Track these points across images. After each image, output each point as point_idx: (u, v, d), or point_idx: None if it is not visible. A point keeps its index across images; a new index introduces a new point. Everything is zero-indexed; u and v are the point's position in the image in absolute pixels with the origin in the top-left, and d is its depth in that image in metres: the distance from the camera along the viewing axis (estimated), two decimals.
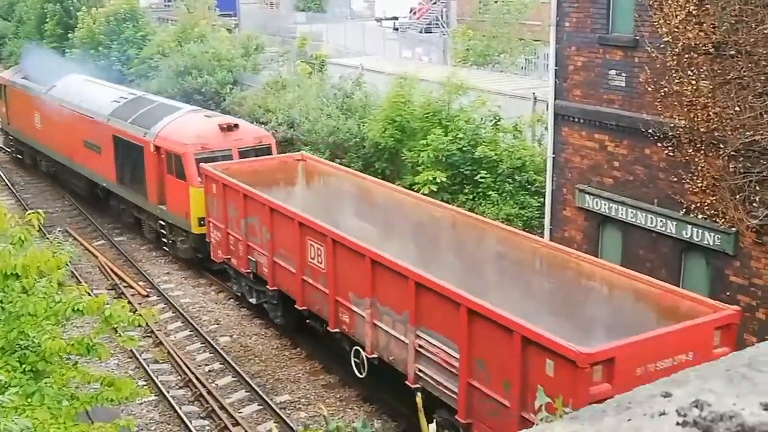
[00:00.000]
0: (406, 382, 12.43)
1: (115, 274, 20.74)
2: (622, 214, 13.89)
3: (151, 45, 37.44)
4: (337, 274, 13.99)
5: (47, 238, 21.07)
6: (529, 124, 19.25)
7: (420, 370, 12.22)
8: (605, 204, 14.19)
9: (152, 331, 17.38)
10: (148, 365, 16.09)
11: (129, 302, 18.33)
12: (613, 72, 13.73)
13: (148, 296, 19.64)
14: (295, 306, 15.56)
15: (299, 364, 16.16)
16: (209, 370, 16.04)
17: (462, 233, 14.74)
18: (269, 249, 16.07)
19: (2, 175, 30.52)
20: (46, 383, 8.78)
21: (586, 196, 14.55)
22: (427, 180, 18.23)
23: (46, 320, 9.28)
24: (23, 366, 8.83)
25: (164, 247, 21.73)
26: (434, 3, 50.45)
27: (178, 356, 16.32)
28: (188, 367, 15.84)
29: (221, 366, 16.16)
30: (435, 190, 18.28)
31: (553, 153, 15.25)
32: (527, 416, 10.07)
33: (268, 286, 16.55)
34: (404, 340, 12.47)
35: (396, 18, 54.31)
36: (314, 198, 18.15)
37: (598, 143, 14.24)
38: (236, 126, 20.42)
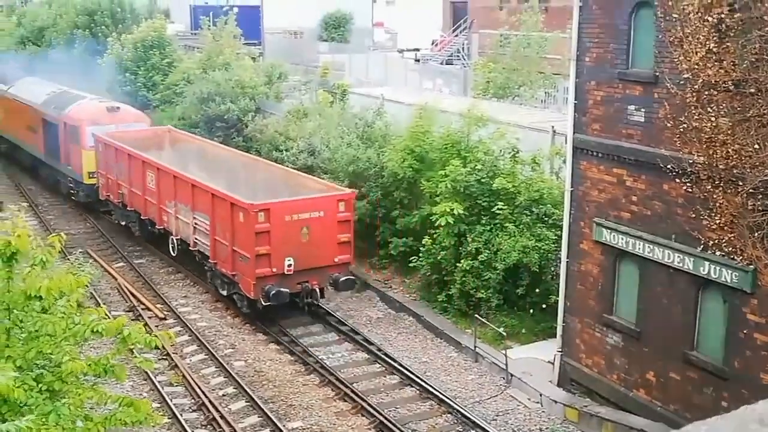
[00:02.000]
0: (190, 249, 20.93)
1: (134, 296, 20.91)
2: (639, 248, 13.87)
3: (176, 72, 37.99)
4: (160, 191, 22.29)
5: (68, 259, 21.32)
6: (547, 157, 19.30)
7: (196, 239, 20.71)
8: (622, 238, 14.19)
9: (168, 354, 17.48)
10: (162, 388, 16.17)
11: (146, 324, 18.58)
12: (632, 107, 13.79)
13: (165, 319, 19.77)
14: (142, 217, 23.75)
15: (312, 391, 16.19)
16: (223, 394, 16.10)
17: (248, 168, 23.28)
18: (128, 183, 24.22)
19: (26, 196, 30.94)
20: (63, 403, 8.88)
21: (604, 230, 14.56)
22: (445, 211, 18.29)
23: (65, 341, 9.39)
24: (40, 385, 8.93)
25: (72, 198, 29.18)
26: (456, 35, 50.85)
27: (193, 379, 16.39)
28: (202, 391, 15.91)
29: (235, 390, 16.21)
30: (452, 222, 18.33)
31: (571, 186, 15.29)
32: (236, 248, 18.69)
33: (128, 208, 24.53)
34: (188, 222, 20.82)
35: (418, 49, 54.80)
36: (171, 154, 25.60)
37: (617, 177, 14.27)
38: (118, 108, 28.68)
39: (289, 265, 18.34)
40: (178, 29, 56.82)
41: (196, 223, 20.52)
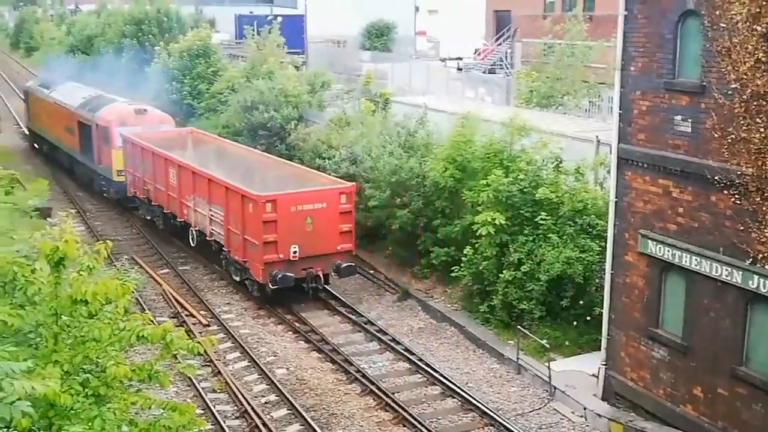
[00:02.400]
0: (207, 239, 22.75)
1: (178, 302, 21.15)
2: (686, 261, 13.63)
3: (221, 80, 38.47)
4: (181, 186, 23.98)
5: (114, 264, 21.64)
6: (591, 167, 19.10)
7: (212, 229, 22.44)
8: (668, 250, 13.96)
9: (211, 361, 17.65)
10: (206, 394, 16.31)
11: (190, 331, 18.79)
12: (678, 117, 13.58)
13: (208, 325, 19.96)
14: (164, 211, 25.43)
15: (354, 400, 16.20)
16: (265, 402, 16.18)
17: (262, 165, 24.97)
18: (153, 179, 25.83)
19: (75, 203, 31.54)
20: (108, 408, 9.00)
21: (649, 241, 14.34)
22: (486, 221, 18.19)
23: (111, 346, 9.53)
24: (86, 390, 9.07)
25: (104, 195, 31.11)
26: (499, 44, 50.67)
27: (236, 386, 16.51)
28: (245, 398, 16.02)
29: (277, 398, 16.29)
30: (493, 232, 18.22)
31: (616, 197, 15.10)
32: (246, 237, 20.42)
33: (152, 203, 26.23)
34: (205, 213, 22.58)
35: (460, 58, 54.69)
36: (192, 152, 27.00)
37: (662, 188, 14.06)
38: (146, 110, 30.33)
39: (294, 252, 20.01)
40: (223, 38, 57.59)
41: (212, 215, 22.35)
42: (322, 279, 20.64)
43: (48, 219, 23.84)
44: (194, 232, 23.69)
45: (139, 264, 23.96)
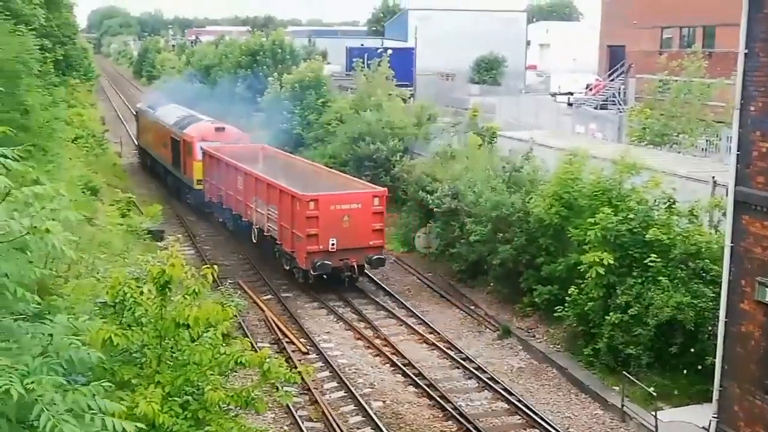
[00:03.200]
0: (264, 234, 26.11)
1: (279, 329, 21.42)
2: None
3: (329, 111, 39.15)
4: (246, 190, 27.60)
5: (219, 288, 22.16)
6: (706, 209, 18.29)
7: (269, 226, 25.74)
8: None
9: (309, 389, 17.72)
10: (302, 422, 16.36)
11: (289, 358, 18.97)
12: None
13: (307, 353, 20.10)
14: (233, 213, 29.18)
15: None
16: None
17: (316, 173, 28.66)
18: (225, 186, 29.68)
19: (186, 227, 32.60)
20: (206, 431, 9.11)
21: (767, 290, 13.55)
22: (594, 261, 17.65)
23: (210, 370, 9.67)
24: (185, 413, 9.21)
25: (188, 201, 35.05)
26: (612, 80, 49.68)
27: (332, 417, 16.49)
28: (341, 429, 15.97)
29: (373, 431, 16.16)
30: (602, 273, 17.65)
31: (732, 241, 14.37)
32: (294, 231, 23.71)
33: (223, 206, 30.06)
34: (264, 213, 25.97)
35: (571, 93, 53.91)
36: (259, 164, 30.13)
37: None
38: (224, 128, 34.14)
39: (333, 244, 23.24)
40: (334, 70, 58.71)
41: (269, 214, 25.72)
42: (356, 269, 23.83)
43: (160, 242, 24.75)
44: (255, 230, 26.97)
45: (244, 289, 24.44)
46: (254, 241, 27.30)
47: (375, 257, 23.69)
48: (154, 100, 45.99)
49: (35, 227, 6.24)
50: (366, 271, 24.93)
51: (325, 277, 23.36)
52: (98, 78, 77.61)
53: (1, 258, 6.18)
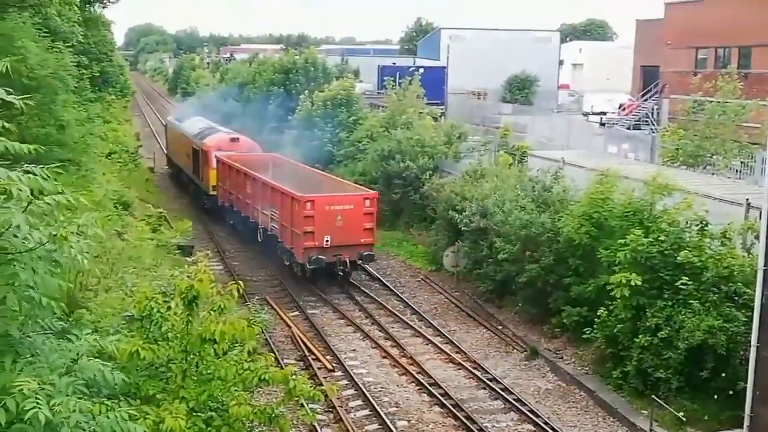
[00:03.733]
0: (268, 233, 28.41)
1: (306, 345, 21.42)
2: None
3: (360, 129, 39.30)
4: (254, 194, 29.89)
5: (247, 304, 22.25)
6: (739, 232, 18.01)
7: (272, 226, 28.00)
8: None
9: (334, 407, 17.67)
10: None
11: (315, 375, 18.95)
12: None
13: (333, 371, 20.06)
14: (242, 215, 31.39)
15: None
16: None
17: (318, 179, 30.67)
18: (235, 190, 32.17)
19: (215, 242, 32.83)
20: None
21: None
22: (621, 282, 17.45)
23: (235, 386, 9.68)
24: (209, 429, 9.22)
25: (205, 206, 37.16)
26: (645, 100, 49.31)
27: None
28: None
29: None
30: (629, 293, 17.44)
31: (765, 264, 14.12)
32: (293, 229, 25.83)
33: (234, 209, 32.47)
34: (268, 214, 28.29)
35: (604, 113, 53.61)
36: (268, 170, 31.17)
37: None
38: (238, 138, 36.72)
39: (327, 241, 25.35)
40: (366, 88, 59.00)
41: (272, 215, 27.99)
42: (348, 264, 25.75)
43: (189, 257, 24.91)
44: (260, 230, 29.22)
45: (271, 305, 24.51)
46: (260, 240, 29.44)
47: (365, 253, 25.93)
48: (181, 113, 49.98)
49: (55, 235, 6.32)
50: (386, 283, 26.62)
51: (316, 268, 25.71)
52: (134, 94, 78.80)
53: (26, 268, 6.25)
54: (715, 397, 16.69)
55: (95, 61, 36.88)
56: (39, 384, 5.83)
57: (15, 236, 6.21)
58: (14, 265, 6.18)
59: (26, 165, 6.50)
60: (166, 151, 51.23)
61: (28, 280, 6.23)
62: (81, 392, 6.33)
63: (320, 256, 25.15)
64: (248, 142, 36.85)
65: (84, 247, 6.54)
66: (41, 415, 5.56)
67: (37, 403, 5.63)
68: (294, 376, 9.92)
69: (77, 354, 6.72)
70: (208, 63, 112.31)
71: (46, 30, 23.13)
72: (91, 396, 6.56)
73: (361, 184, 31.69)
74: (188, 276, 10.05)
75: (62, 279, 6.77)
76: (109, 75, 41.22)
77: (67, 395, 6.02)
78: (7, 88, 6.70)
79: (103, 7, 39.17)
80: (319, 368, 19.95)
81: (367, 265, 27.18)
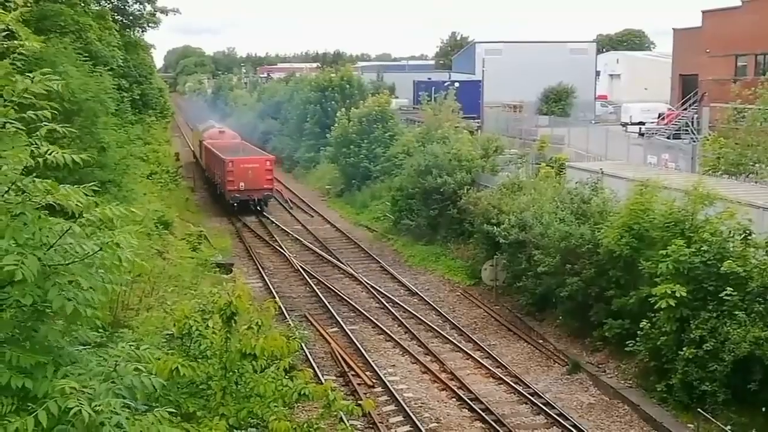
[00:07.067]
0: (216, 185, 46.19)
1: (345, 361, 21.40)
2: None
3: (397, 144, 39.37)
4: (215, 163, 45.70)
5: (286, 320, 22.35)
6: None
7: (218, 180, 44.65)
8: None
9: (374, 423, 17.61)
10: None
11: (355, 391, 18.92)
12: None
13: (373, 386, 20.00)
14: (206, 175, 50.40)
15: None
16: None
17: (250, 149, 48.77)
18: (207, 161, 49.46)
19: (255, 260, 33.05)
20: None
21: None
22: (665, 293, 17.17)
23: (274, 402, 9.70)
24: None
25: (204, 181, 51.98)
26: (684, 109, 48.71)
27: None
28: None
29: None
30: (673, 305, 17.15)
31: None
32: (224, 179, 42.53)
33: (206, 173, 50.60)
34: (217, 173, 44.96)
35: (642, 123, 53.04)
36: (227, 147, 46.84)
37: None
38: (224, 131, 52.49)
39: (242, 186, 40.72)
40: (402, 103, 59.14)
41: (218, 173, 43.68)
42: (257, 202, 41.31)
43: (228, 275, 25.13)
44: (217, 187, 44.28)
45: (311, 321, 24.57)
46: (218, 193, 44.57)
47: (266, 195, 41.83)
48: (203, 120, 64.82)
49: (106, 243, 6.46)
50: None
51: (235, 205, 41.41)
52: (173, 115, 79.95)
53: (74, 278, 6.36)
54: (763, 409, 16.29)
55: (135, 83, 37.53)
56: (80, 387, 5.91)
57: (67, 247, 6.36)
58: (66, 274, 6.32)
59: (68, 186, 6.63)
60: (191, 148, 65.46)
61: (77, 293, 6.34)
62: (119, 397, 6.39)
63: (237, 195, 40.91)
64: (231, 133, 52.65)
65: (135, 250, 6.70)
66: (84, 413, 5.62)
67: (80, 402, 5.70)
68: (333, 391, 9.92)
69: (116, 362, 6.79)
70: (245, 83, 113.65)
71: (87, 54, 23.62)
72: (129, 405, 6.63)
73: (397, 200, 32.61)
74: (226, 293, 10.14)
75: (106, 292, 6.85)
76: (148, 97, 41.93)
77: (107, 399, 6.09)
78: (52, 111, 6.88)
79: (143, 32, 39.95)
80: (359, 384, 19.91)
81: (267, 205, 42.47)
